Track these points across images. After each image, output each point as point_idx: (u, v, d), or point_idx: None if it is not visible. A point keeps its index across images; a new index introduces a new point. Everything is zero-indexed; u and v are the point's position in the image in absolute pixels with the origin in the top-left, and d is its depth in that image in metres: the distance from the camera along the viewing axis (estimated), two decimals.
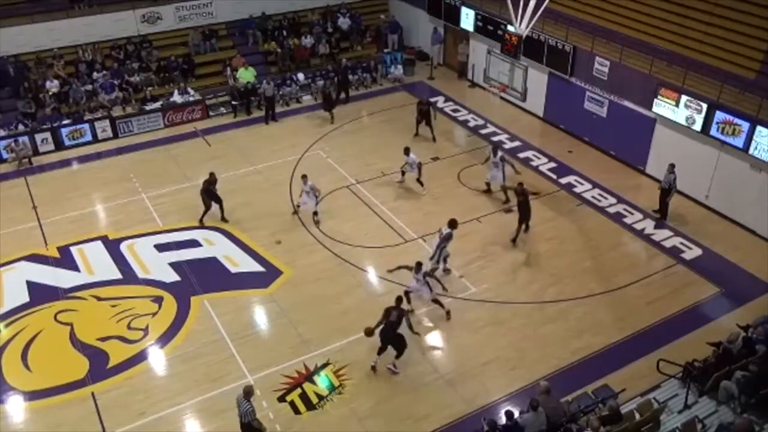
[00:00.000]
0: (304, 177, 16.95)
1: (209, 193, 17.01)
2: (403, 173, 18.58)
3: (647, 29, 19.38)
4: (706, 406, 10.96)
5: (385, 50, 26.54)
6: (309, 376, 12.75)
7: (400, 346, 12.66)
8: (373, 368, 12.77)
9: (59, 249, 16.36)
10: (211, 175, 17.11)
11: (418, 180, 18.21)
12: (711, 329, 13.59)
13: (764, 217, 16.26)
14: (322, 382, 12.69)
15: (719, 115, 16.33)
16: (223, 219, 17.28)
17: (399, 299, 12.95)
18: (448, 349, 13.50)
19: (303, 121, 22.19)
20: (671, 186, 16.79)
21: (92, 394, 12.49)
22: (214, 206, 17.19)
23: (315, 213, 17.12)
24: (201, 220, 17.22)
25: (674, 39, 18.69)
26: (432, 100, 23.92)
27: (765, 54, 16.99)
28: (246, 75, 23.10)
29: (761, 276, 15.26)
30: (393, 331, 12.47)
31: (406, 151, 18.19)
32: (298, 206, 17.25)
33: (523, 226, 16.43)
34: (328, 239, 16.61)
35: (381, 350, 12.68)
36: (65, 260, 16.00)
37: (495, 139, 21.20)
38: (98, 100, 22.13)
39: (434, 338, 13.81)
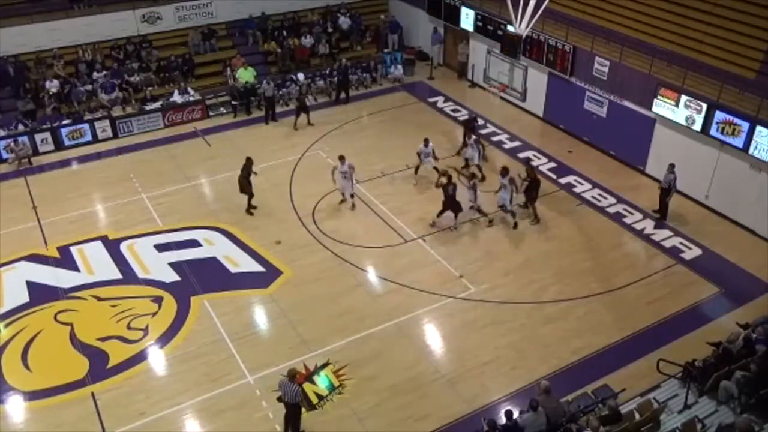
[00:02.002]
0: (341, 157, 17.27)
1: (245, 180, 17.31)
2: (417, 168, 18.82)
3: (647, 29, 19.38)
4: (706, 406, 10.96)
5: (385, 50, 26.54)
6: (309, 376, 12.74)
7: (456, 210, 16.61)
8: (433, 224, 16.77)
9: (59, 249, 16.36)
10: (248, 159, 17.31)
11: (435, 168, 18.51)
12: (711, 329, 13.59)
13: (764, 217, 16.25)
14: (322, 382, 12.69)
15: (719, 115, 16.33)
16: (248, 212, 17.60)
17: (449, 177, 16.47)
18: (448, 349, 13.50)
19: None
20: (671, 186, 16.79)
21: (92, 394, 12.49)
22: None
23: (351, 195, 17.49)
24: (249, 210, 17.54)
25: (674, 39, 18.69)
26: (431, 100, 24.03)
27: (765, 54, 16.99)
28: (246, 75, 23.10)
29: (761, 276, 15.26)
30: (453, 200, 16.44)
31: (426, 142, 18.45)
32: (343, 194, 17.63)
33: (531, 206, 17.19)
34: (328, 239, 16.61)
35: (440, 213, 16.73)
36: (65, 260, 16.00)
37: (495, 139, 21.21)
38: (98, 100, 22.14)
39: (434, 338, 13.82)
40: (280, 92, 23.55)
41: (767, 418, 10.33)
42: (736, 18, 17.76)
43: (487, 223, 17.01)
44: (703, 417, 10.64)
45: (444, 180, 16.53)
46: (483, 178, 18.43)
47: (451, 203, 16.56)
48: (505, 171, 16.74)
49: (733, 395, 10.78)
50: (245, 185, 17.36)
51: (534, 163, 19.77)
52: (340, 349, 13.37)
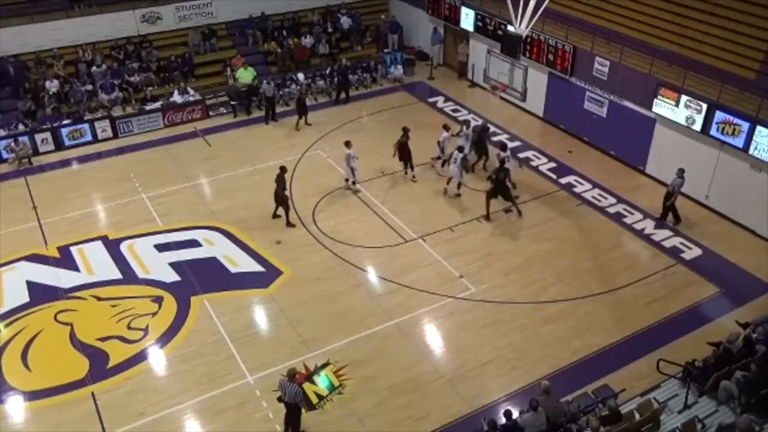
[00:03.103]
0: (347, 143, 17.92)
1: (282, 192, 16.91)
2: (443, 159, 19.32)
3: (647, 29, 19.38)
4: (706, 406, 10.97)
5: (385, 50, 26.54)
6: (309, 376, 12.74)
7: (406, 161, 18.63)
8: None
9: (59, 249, 16.36)
10: (282, 169, 16.88)
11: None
12: (711, 329, 13.60)
13: (764, 217, 16.25)
14: (322, 382, 12.69)
15: (719, 115, 16.33)
16: (289, 224, 17.12)
17: (405, 129, 18.45)
18: (448, 349, 13.50)
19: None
20: (674, 190, 16.72)
21: (92, 394, 12.49)
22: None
23: (347, 180, 18.31)
24: (287, 222, 17.09)
25: (674, 39, 18.69)
26: (431, 100, 24.02)
27: (765, 54, 16.99)
28: (246, 75, 23.09)
29: (761, 276, 15.26)
30: (406, 150, 18.47)
31: (446, 127, 19.14)
32: (351, 181, 18.28)
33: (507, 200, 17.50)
34: (328, 239, 16.61)
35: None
36: (65, 260, 15.99)
37: (495, 139, 21.17)
38: (98, 100, 22.14)
39: (434, 338, 13.82)
40: (281, 92, 23.55)
41: (767, 418, 10.33)
42: (736, 18, 17.76)
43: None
44: (703, 417, 10.64)
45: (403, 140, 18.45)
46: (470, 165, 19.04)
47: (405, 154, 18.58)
48: (503, 147, 18.06)
49: (733, 395, 10.78)
50: (282, 198, 16.89)
51: (534, 164, 19.83)
52: (340, 349, 13.37)
